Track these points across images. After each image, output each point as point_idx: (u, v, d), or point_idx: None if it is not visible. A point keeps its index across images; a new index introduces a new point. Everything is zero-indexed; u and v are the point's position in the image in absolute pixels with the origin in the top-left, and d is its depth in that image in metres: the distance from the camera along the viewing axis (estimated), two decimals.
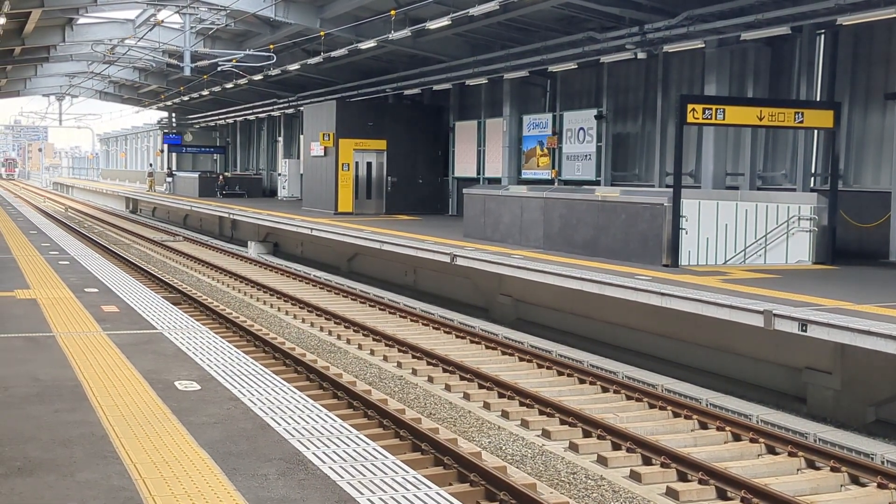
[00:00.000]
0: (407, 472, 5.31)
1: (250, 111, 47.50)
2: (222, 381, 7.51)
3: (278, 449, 5.69)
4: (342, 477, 5.17)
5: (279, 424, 6.23)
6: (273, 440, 5.88)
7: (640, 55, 21.31)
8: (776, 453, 9.80)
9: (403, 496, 4.89)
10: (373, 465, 5.41)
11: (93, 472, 5.22)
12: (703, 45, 19.93)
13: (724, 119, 16.09)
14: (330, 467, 5.33)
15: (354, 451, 5.68)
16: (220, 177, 47.17)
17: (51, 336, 9.37)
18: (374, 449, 5.73)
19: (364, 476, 5.20)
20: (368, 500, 4.81)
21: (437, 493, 4.96)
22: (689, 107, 15.76)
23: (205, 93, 42.50)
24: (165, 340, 9.27)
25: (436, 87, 30.56)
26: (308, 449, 5.68)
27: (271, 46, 29.11)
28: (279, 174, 44.87)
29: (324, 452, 5.62)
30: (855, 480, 8.96)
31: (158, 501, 4.75)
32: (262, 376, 7.76)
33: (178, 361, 8.25)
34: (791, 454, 9.59)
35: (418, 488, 5.03)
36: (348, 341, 15.73)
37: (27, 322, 10.16)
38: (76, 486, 4.98)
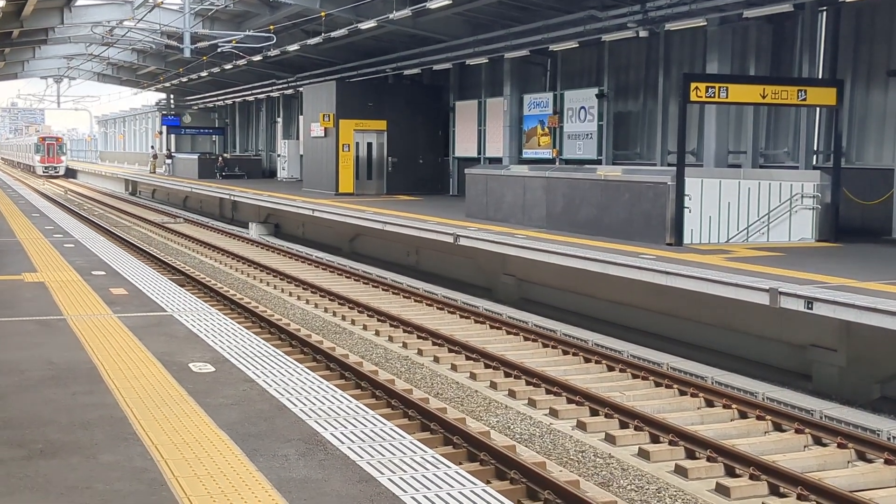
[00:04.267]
0: (425, 451, 5.37)
1: (249, 92, 47.41)
2: (235, 362, 7.56)
3: (297, 430, 5.75)
4: (361, 457, 5.23)
5: (295, 405, 6.29)
6: (291, 421, 5.93)
7: (642, 33, 21.28)
8: (783, 430, 9.88)
9: (423, 475, 4.95)
10: (391, 445, 5.47)
11: (115, 453, 5.28)
12: (705, 23, 19.90)
13: (727, 97, 16.11)
14: (349, 447, 5.39)
15: (372, 431, 5.74)
16: (220, 158, 47.10)
17: (62, 319, 9.41)
18: (392, 429, 5.79)
19: (383, 456, 5.25)
20: (389, 479, 4.87)
21: (457, 472, 5.02)
22: (693, 85, 15.78)
23: (203, 74, 42.40)
24: (176, 323, 9.32)
25: (436, 67, 30.52)
26: (326, 430, 5.74)
27: (271, 27, 29.04)
28: (279, 155, 44.85)
29: (341, 433, 5.68)
30: (862, 457, 9.04)
31: (182, 483, 4.81)
32: (274, 358, 7.82)
33: (191, 343, 8.30)
34: (798, 431, 9.66)
35: (437, 467, 5.09)
36: (353, 322, 15.79)
37: (37, 305, 10.20)
38: (100, 467, 5.04)
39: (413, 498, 4.61)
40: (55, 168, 75.57)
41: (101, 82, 55.49)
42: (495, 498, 4.66)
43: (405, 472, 5.00)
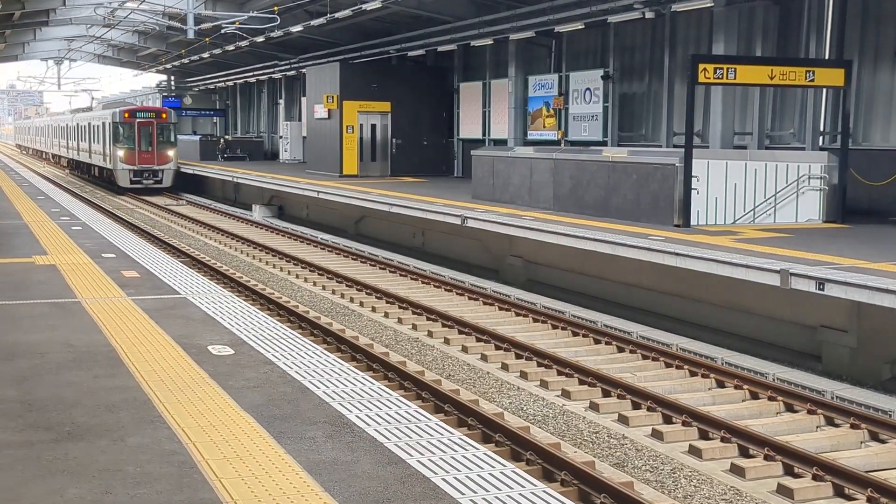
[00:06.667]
0: (452, 433, 5.40)
1: (251, 73, 47.22)
2: (254, 345, 7.59)
3: (321, 412, 5.77)
4: (388, 439, 5.26)
5: (318, 388, 6.32)
6: (314, 403, 5.96)
7: (648, 14, 21.19)
8: (795, 411, 9.91)
9: (452, 457, 4.98)
10: (417, 427, 5.50)
11: (142, 436, 5.30)
12: (712, 4, 19.81)
13: (735, 78, 16.07)
14: (375, 430, 5.42)
15: (396, 413, 5.77)
16: (222, 140, 47.00)
17: (76, 302, 9.43)
18: (416, 411, 5.82)
19: (410, 438, 5.29)
20: (418, 461, 4.90)
21: (485, 454, 5.05)
22: (701, 66, 15.73)
23: (205, 55, 42.23)
24: (191, 305, 9.35)
25: (440, 49, 30.37)
26: (350, 412, 5.77)
27: (275, 8, 28.92)
28: (281, 137, 44.79)
29: (366, 415, 5.71)
30: (875, 437, 9.08)
31: (213, 465, 4.84)
32: (290, 340, 7.85)
33: (208, 326, 8.33)
34: (810, 412, 9.70)
35: (465, 449, 5.12)
36: (361, 304, 15.80)
37: (50, 288, 10.23)
38: (129, 450, 5.07)
39: (444, 479, 4.64)
40: (156, 175, 38.36)
41: (101, 64, 55.30)
42: (526, 479, 4.69)
43: (433, 453, 5.03)
